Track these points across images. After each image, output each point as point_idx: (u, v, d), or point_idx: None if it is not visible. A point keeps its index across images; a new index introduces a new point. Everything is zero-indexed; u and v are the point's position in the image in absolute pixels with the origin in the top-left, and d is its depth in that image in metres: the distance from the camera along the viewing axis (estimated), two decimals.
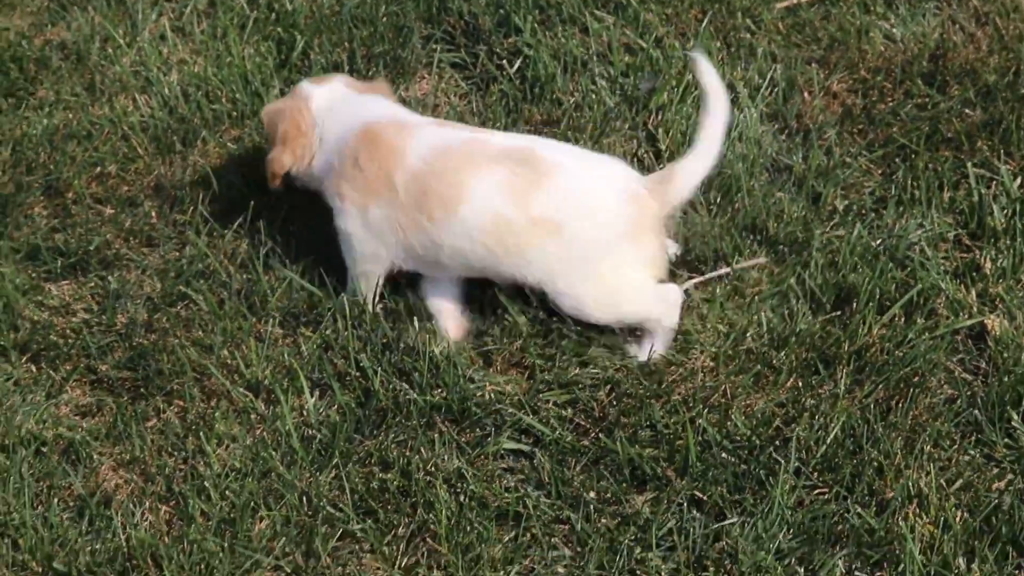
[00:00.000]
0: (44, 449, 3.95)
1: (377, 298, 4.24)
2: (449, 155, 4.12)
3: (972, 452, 3.78)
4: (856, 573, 3.58)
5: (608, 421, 3.85)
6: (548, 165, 4.08)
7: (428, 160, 4.11)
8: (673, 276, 4.17)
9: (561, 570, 3.64)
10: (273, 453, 3.85)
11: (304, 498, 3.75)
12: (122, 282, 4.32)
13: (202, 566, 3.65)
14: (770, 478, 3.69)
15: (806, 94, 4.77)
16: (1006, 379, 3.89)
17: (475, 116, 4.76)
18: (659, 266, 4.13)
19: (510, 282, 4.11)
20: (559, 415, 3.87)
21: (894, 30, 4.96)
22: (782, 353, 3.96)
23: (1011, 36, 4.87)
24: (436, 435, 3.85)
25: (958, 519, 3.60)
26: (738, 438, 3.78)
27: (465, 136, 4.23)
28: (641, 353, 4.08)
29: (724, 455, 3.75)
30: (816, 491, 3.71)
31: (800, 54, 4.91)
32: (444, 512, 3.69)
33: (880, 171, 4.51)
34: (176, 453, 3.92)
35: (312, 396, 4.00)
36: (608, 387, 3.91)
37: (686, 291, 4.15)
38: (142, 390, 4.09)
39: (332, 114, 4.35)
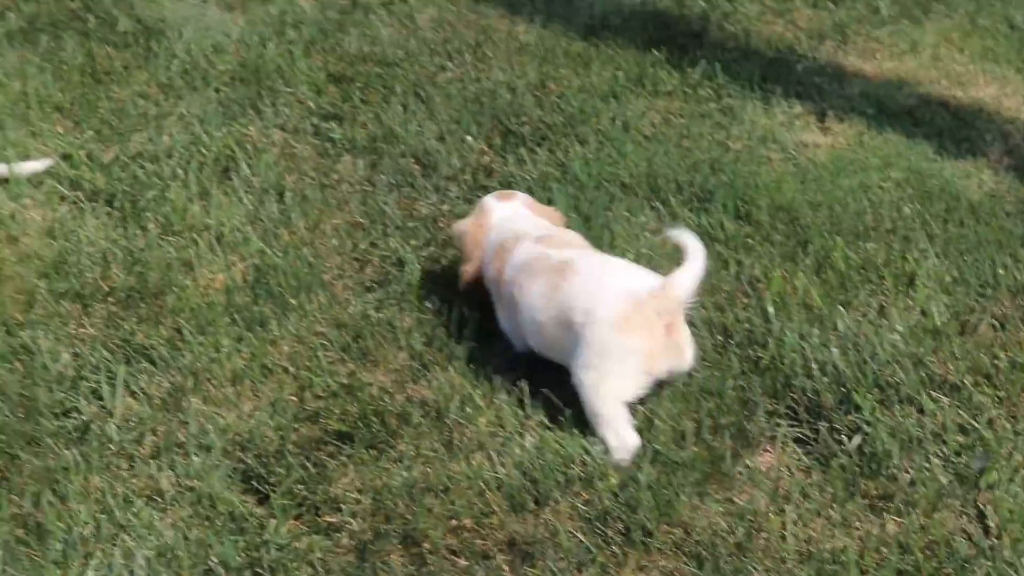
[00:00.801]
0: None
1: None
2: (523, 268, 5.35)
3: None
4: None
5: None
6: (571, 271, 5.18)
7: (515, 271, 5.39)
8: None
9: None
10: None
11: None
12: None
13: None
14: None
15: None
16: None
17: (816, 487, 4.94)
18: (653, 360, 5.03)
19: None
20: None
21: None
22: None
23: None
24: None
25: None
26: None
27: (541, 251, 5.38)
28: None
29: None
30: None
31: None
32: None
33: None
34: None
35: None
36: None
37: None
38: None
39: (501, 227, 5.59)
